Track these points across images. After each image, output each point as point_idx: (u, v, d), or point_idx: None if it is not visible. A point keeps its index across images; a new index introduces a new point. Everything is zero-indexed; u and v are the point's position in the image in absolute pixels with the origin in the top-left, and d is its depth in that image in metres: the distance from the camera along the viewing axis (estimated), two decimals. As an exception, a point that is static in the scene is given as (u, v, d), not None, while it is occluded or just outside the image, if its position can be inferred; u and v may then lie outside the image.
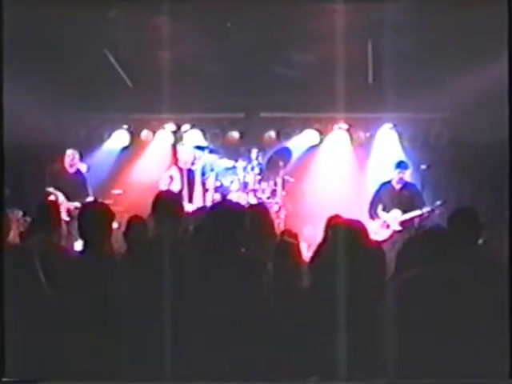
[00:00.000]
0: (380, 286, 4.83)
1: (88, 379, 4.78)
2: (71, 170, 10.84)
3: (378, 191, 10.63)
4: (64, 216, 9.07)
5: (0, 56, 5.66)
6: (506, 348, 4.39)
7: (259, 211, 7.15)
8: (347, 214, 8.84)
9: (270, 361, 4.73)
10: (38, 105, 10.25)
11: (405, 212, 10.33)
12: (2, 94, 5.69)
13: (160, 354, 4.82)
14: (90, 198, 10.25)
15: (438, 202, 10.18)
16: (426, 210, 10.24)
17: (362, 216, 10.22)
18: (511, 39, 5.40)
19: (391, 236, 10.25)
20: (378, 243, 6.65)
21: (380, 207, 10.49)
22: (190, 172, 10.93)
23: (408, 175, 10.68)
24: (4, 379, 4.88)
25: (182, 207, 5.99)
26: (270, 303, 4.98)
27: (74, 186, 10.55)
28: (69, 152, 10.81)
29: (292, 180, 11.44)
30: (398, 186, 10.52)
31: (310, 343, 4.71)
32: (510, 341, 4.40)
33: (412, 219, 10.33)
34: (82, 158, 10.94)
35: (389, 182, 10.60)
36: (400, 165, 10.57)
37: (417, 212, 10.29)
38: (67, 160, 10.80)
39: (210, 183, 10.93)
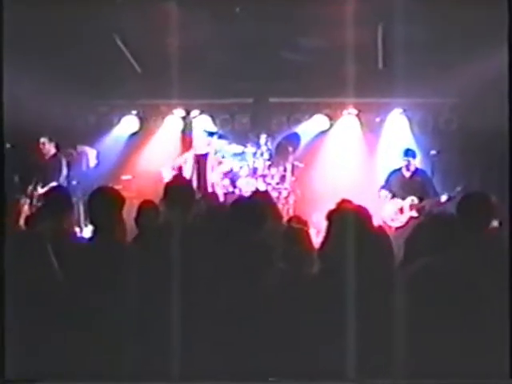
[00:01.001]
0: (389, 275, 4.80)
1: (91, 379, 4.75)
2: (46, 157, 10.85)
3: (387, 179, 10.57)
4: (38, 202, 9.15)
5: (0, 46, 5.62)
6: (506, 348, 4.36)
7: (267, 197, 7.14)
8: (357, 199, 8.84)
9: (279, 358, 4.70)
10: (47, 92, 10.26)
11: (419, 199, 10.26)
12: (2, 84, 5.64)
13: (168, 352, 4.78)
14: (63, 182, 10.27)
15: (459, 188, 10.05)
16: (445, 196, 10.13)
17: (372, 201, 10.21)
18: None
19: (407, 222, 10.17)
20: (384, 229, 6.59)
21: (390, 194, 10.43)
22: (200, 157, 10.92)
23: (418, 162, 10.62)
24: (4, 379, 4.86)
25: (193, 193, 5.99)
26: (280, 292, 4.93)
27: (49, 172, 10.57)
28: (41, 140, 10.82)
29: (301, 165, 11.42)
30: (407, 174, 10.46)
31: (318, 338, 4.68)
32: (510, 341, 4.37)
33: (429, 206, 10.25)
34: (57, 146, 10.88)
35: (399, 169, 10.55)
36: (407, 153, 10.50)
37: (435, 198, 10.20)
38: (41, 148, 10.82)
39: (220, 169, 10.91)
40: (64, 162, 10.84)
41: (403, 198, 10.34)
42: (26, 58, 9.29)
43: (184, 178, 8.96)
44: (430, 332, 4.32)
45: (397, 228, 10.06)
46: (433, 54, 9.93)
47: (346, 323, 4.59)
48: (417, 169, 10.51)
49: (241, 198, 8.01)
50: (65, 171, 10.76)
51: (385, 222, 10.08)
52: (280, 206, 10.69)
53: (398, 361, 4.39)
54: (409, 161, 10.40)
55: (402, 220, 10.24)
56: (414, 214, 10.24)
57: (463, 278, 4.44)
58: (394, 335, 4.42)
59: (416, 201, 10.27)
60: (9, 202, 6.27)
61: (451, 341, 4.29)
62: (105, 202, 5.33)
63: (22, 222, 6.40)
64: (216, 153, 11.01)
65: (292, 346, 4.73)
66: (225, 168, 10.91)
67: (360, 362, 4.57)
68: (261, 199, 6.23)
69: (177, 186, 5.93)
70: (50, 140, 10.81)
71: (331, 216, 5.12)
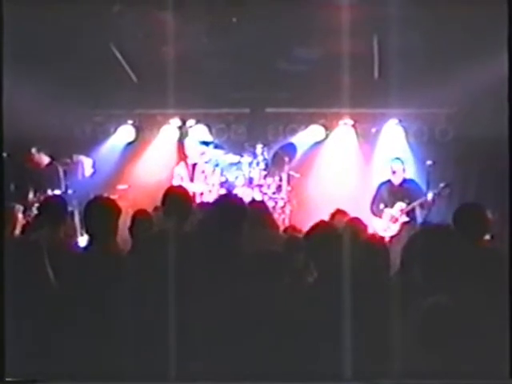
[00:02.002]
0: (385, 282, 4.82)
1: (91, 379, 4.74)
2: (41, 167, 10.85)
3: (377, 191, 10.56)
4: (34, 210, 9.19)
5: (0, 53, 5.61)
6: (506, 348, 4.36)
7: (263, 207, 7.14)
8: (352, 209, 8.84)
9: (276, 360, 4.70)
10: (43, 101, 10.27)
11: (408, 204, 10.28)
12: (2, 93, 5.64)
13: (165, 354, 4.77)
14: (57, 192, 10.28)
15: (442, 185, 10.13)
16: (430, 194, 10.15)
17: (367, 212, 10.22)
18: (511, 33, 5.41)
19: (401, 230, 10.16)
20: (380, 239, 6.58)
21: (382, 205, 10.42)
22: (196, 167, 10.92)
23: (407, 172, 10.62)
24: (4, 379, 4.84)
25: (190, 202, 5.99)
26: (274, 299, 4.95)
27: (45, 181, 10.59)
28: (33, 150, 10.83)
29: (297, 176, 11.42)
30: (396, 181, 10.48)
31: (315, 342, 4.68)
32: (510, 341, 4.37)
33: (418, 206, 10.25)
34: (52, 155, 10.88)
35: (388, 180, 10.56)
36: (396, 160, 10.54)
37: (422, 199, 10.21)
38: (34, 158, 10.84)
39: (216, 179, 10.91)
40: (61, 171, 10.85)
41: (392, 207, 10.34)
42: (22, 68, 9.29)
43: (181, 187, 8.94)
44: (429, 332, 4.32)
45: (391, 237, 10.05)
46: (428, 64, 9.96)
47: (343, 326, 4.59)
48: (405, 179, 10.51)
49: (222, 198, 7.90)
50: (62, 180, 10.76)
51: (377, 233, 10.07)
52: (276, 215, 10.69)
53: (397, 361, 4.38)
54: (396, 168, 10.41)
55: (394, 229, 10.23)
56: (405, 218, 10.24)
57: (462, 280, 4.43)
58: (392, 335, 4.42)
59: (404, 206, 10.26)
60: (5, 210, 6.27)
61: (450, 341, 4.28)
62: (101, 211, 5.34)
63: (18, 230, 6.40)
64: (216, 164, 10.99)
65: (290, 347, 4.73)
66: (220, 178, 10.91)
67: (357, 363, 4.57)
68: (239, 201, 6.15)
69: (174, 195, 5.94)
70: (39, 150, 10.82)
71: (308, 237, 5.13)
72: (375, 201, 10.50)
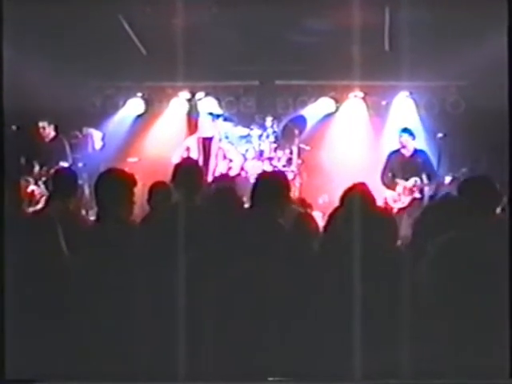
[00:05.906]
0: (394, 257, 4.78)
1: (94, 379, 4.67)
2: (47, 140, 10.86)
3: (387, 160, 10.51)
4: (41, 184, 9.19)
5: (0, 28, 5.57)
6: (506, 348, 4.33)
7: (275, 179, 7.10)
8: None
9: (284, 357, 4.63)
10: (52, 74, 10.26)
11: (421, 180, 10.25)
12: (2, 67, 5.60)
13: (174, 350, 4.69)
14: (65, 164, 10.30)
15: (464, 169, 10.07)
16: (449, 177, 10.12)
17: (377, 184, 10.19)
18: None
19: (410, 204, 10.15)
20: (390, 211, 6.52)
21: (390, 175, 10.39)
22: (206, 140, 10.91)
23: (418, 143, 10.56)
24: (4, 379, 4.80)
25: (201, 174, 5.97)
26: (285, 281, 4.87)
27: (51, 154, 10.57)
28: (41, 123, 10.81)
29: (308, 148, 11.39)
30: (407, 153, 10.43)
31: (324, 335, 4.64)
32: (510, 341, 4.35)
33: (434, 186, 10.22)
34: (57, 129, 10.90)
35: (397, 150, 10.52)
36: (404, 132, 10.49)
37: (439, 180, 10.16)
38: (41, 131, 10.82)
39: (226, 151, 10.89)
40: (67, 145, 10.84)
41: (406, 179, 10.30)
42: (32, 41, 9.28)
43: (192, 159, 8.92)
44: (430, 331, 4.32)
45: (399, 209, 10.06)
46: (439, 36, 9.88)
47: (352, 318, 4.56)
48: (416, 149, 10.46)
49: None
50: (68, 153, 10.76)
51: (387, 203, 10.08)
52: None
53: (397, 360, 4.38)
54: (405, 140, 10.35)
55: (404, 201, 10.22)
56: (418, 195, 10.22)
57: (464, 277, 4.41)
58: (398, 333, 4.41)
59: (419, 182, 10.23)
60: (15, 183, 6.26)
61: (450, 340, 4.29)
62: (114, 183, 5.29)
63: (28, 203, 6.40)
64: (225, 137, 10.97)
65: (298, 344, 4.67)
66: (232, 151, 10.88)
67: (365, 361, 4.54)
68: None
69: (185, 168, 5.91)
70: (48, 123, 10.82)
71: (342, 199, 5.11)
72: (385, 171, 10.45)
